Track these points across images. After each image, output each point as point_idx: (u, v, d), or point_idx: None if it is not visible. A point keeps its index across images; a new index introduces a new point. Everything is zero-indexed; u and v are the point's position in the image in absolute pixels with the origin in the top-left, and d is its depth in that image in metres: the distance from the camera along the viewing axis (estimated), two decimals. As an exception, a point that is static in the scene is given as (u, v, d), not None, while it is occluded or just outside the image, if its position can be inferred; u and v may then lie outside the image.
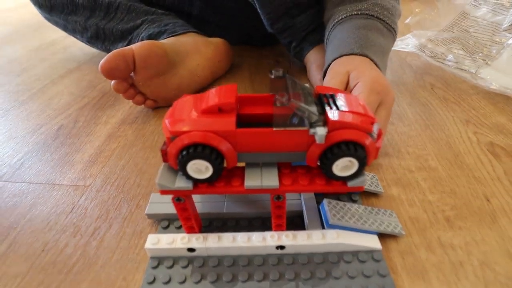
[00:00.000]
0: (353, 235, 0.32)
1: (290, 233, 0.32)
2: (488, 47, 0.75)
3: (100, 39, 0.74)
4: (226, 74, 0.76)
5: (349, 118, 0.26)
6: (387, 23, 0.55)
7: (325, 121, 0.26)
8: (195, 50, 0.64)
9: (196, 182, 0.28)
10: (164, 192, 0.28)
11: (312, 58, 0.68)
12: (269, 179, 0.28)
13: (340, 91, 0.30)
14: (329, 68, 0.50)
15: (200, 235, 0.32)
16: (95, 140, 0.52)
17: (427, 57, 0.80)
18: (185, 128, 0.26)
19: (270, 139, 0.27)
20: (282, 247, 0.32)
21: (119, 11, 0.71)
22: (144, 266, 0.32)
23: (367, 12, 0.55)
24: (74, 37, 0.80)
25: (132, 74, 0.55)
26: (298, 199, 0.37)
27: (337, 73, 0.47)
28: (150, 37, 0.66)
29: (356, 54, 0.49)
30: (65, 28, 0.79)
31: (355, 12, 0.56)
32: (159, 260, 0.31)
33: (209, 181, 0.28)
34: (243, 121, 0.28)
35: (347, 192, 0.37)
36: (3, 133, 0.55)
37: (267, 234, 0.32)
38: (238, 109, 0.29)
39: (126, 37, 0.70)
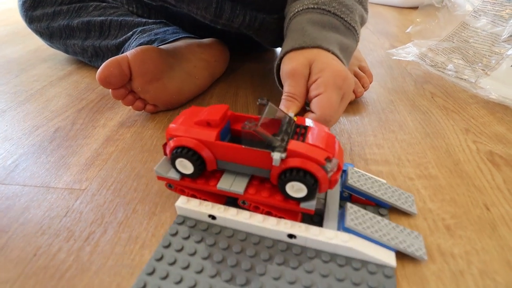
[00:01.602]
0: (367, 244, 0.32)
1: (304, 225, 0.33)
2: (488, 58, 0.74)
3: (99, 57, 0.76)
4: (228, 78, 0.75)
5: (305, 149, 0.30)
6: (345, 20, 0.52)
7: (285, 148, 0.31)
8: (190, 52, 0.64)
9: (183, 175, 0.35)
10: (159, 178, 0.36)
11: None
12: (237, 186, 0.34)
13: (317, 124, 0.35)
14: (285, 62, 0.48)
15: (222, 206, 0.36)
16: (92, 143, 0.51)
17: (427, 66, 0.80)
18: (179, 133, 0.34)
19: (241, 154, 0.33)
20: (293, 236, 0.33)
21: (112, 28, 0.72)
22: (139, 272, 0.31)
23: (323, 7, 0.51)
24: (77, 58, 0.83)
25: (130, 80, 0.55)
26: (323, 199, 0.37)
27: (297, 68, 0.46)
28: (141, 45, 0.65)
29: (309, 47, 0.47)
30: (66, 52, 0.81)
31: (311, 6, 0.52)
32: (184, 219, 0.36)
33: (191, 177, 0.35)
34: (234, 135, 0.37)
35: (376, 205, 0.38)
36: (-1, 135, 0.54)
37: (282, 221, 0.34)
38: (230, 124, 0.36)
39: (119, 49, 0.71)
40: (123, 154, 0.49)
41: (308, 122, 0.35)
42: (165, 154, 0.36)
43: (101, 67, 0.51)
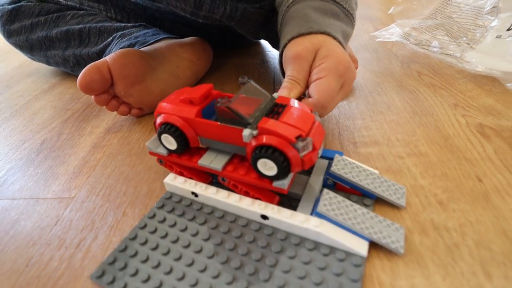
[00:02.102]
0: (338, 231, 0.31)
1: (277, 207, 0.34)
2: (472, 31, 0.74)
3: (81, 65, 0.74)
4: (213, 75, 0.75)
5: (275, 126, 0.30)
6: (343, 7, 0.52)
7: (256, 125, 0.31)
8: (171, 52, 0.64)
9: (169, 151, 0.37)
10: (151, 153, 0.39)
11: None
12: (216, 163, 0.35)
13: (299, 104, 0.34)
14: (289, 48, 0.47)
15: (204, 185, 0.37)
16: (79, 152, 0.51)
17: (412, 45, 0.79)
18: (164, 111, 0.36)
19: (218, 131, 0.33)
20: (266, 217, 0.34)
21: (91, 35, 0.71)
22: (131, 273, 0.31)
23: None
24: (60, 69, 0.82)
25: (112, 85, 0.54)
26: (303, 184, 0.37)
27: (301, 53, 0.45)
28: None
29: (316, 33, 0.46)
30: (48, 63, 0.80)
31: None
32: (171, 194, 0.39)
33: (176, 152, 0.37)
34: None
35: (362, 195, 0.37)
36: (-14, 152, 0.54)
37: (256, 202, 0.34)
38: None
39: (101, 56, 0.70)
40: (110, 159, 0.48)
41: (292, 102, 0.34)
42: (156, 131, 0.38)
43: (81, 73, 0.50)
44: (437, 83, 0.62)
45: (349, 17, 0.53)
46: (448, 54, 0.72)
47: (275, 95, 0.36)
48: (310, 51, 0.45)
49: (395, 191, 0.36)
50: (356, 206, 0.33)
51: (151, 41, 0.66)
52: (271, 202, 0.35)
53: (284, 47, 0.48)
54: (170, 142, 0.36)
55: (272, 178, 0.32)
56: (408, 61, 0.74)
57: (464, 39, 0.73)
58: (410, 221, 0.34)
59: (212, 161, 0.35)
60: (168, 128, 0.35)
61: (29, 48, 0.77)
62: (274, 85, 0.68)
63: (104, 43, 0.70)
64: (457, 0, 0.82)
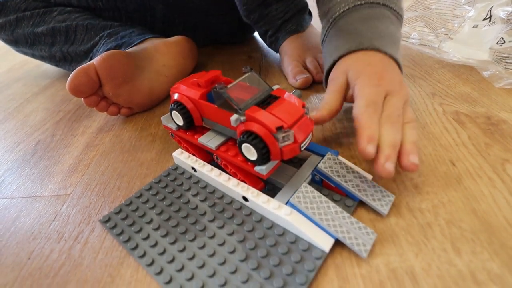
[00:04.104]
0: (306, 224, 0.33)
1: (256, 191, 0.36)
2: (451, 22, 0.77)
3: (67, 61, 0.76)
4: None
5: (260, 115, 0.32)
6: (394, 10, 0.50)
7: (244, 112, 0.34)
8: (157, 52, 0.65)
9: (178, 127, 0.42)
10: (164, 126, 0.45)
11: (286, 48, 0.70)
12: (212, 142, 0.39)
13: (292, 96, 0.36)
14: (332, 71, 0.47)
15: (202, 162, 0.41)
16: (73, 151, 0.53)
17: (392, 37, 0.81)
18: (176, 90, 0.40)
19: (215, 113, 0.37)
20: (246, 199, 0.37)
21: (78, 32, 0.72)
22: (128, 261, 0.33)
23: (371, 1, 0.49)
24: (45, 62, 0.82)
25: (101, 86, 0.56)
26: (290, 176, 0.39)
27: (335, 78, 0.45)
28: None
29: (365, 49, 0.45)
30: (33, 56, 0.81)
31: (358, 3, 0.50)
32: (177, 166, 0.44)
33: (183, 128, 0.42)
34: None
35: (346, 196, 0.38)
36: (-18, 154, 0.55)
37: (241, 184, 0.37)
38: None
39: (88, 55, 0.71)
40: (103, 157, 0.50)
41: (286, 95, 0.36)
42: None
43: (69, 78, 0.52)
44: (417, 74, 0.65)
45: (399, 19, 0.52)
46: (426, 45, 0.74)
47: (275, 87, 0.38)
48: (341, 75, 0.44)
49: (381, 197, 0.35)
50: (331, 204, 0.34)
51: (137, 41, 0.67)
52: (255, 187, 0.37)
53: (333, 64, 0.48)
54: (179, 118, 0.41)
55: (254, 163, 0.35)
56: (390, 53, 0.76)
57: (442, 29, 0.76)
58: (387, 204, 0.36)
59: (209, 140, 0.39)
60: (177, 105, 0.40)
61: (14, 41, 0.77)
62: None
63: (91, 42, 0.71)
64: (436, -9, 0.84)
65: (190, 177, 0.42)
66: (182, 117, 0.40)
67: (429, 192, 0.37)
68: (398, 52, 0.47)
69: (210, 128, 0.41)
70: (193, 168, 0.42)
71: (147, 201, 0.40)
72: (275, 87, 0.38)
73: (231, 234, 0.34)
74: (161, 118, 0.45)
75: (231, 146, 0.39)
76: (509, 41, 0.63)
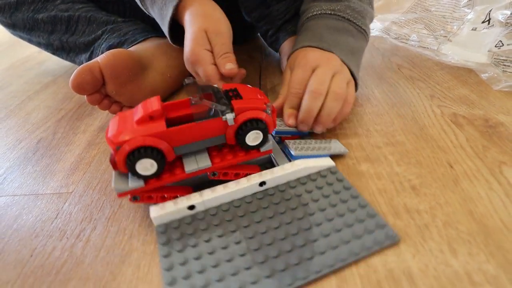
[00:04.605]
0: (312, 160, 0.42)
1: (267, 170, 0.40)
2: (450, 24, 0.77)
3: (65, 50, 0.75)
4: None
5: (248, 103, 0.36)
6: (357, 25, 0.57)
7: (232, 108, 0.36)
8: (161, 52, 0.65)
9: (146, 178, 0.35)
10: (121, 195, 0.34)
11: (286, 48, 0.70)
12: (203, 161, 0.37)
13: (242, 85, 0.40)
14: (296, 58, 0.52)
15: (196, 193, 0.37)
16: (75, 149, 0.53)
17: (391, 39, 0.82)
18: (126, 138, 0.32)
19: (195, 130, 0.35)
20: (263, 183, 0.39)
21: (79, 23, 0.71)
22: (129, 260, 0.34)
23: (339, 14, 0.56)
24: (41, 49, 0.80)
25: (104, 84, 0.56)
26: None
27: (305, 68, 0.49)
28: (111, 48, 0.66)
29: (323, 49, 0.52)
30: (30, 42, 0.79)
31: (329, 12, 0.57)
32: (165, 226, 0.36)
33: (156, 175, 0.35)
34: (171, 123, 0.35)
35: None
36: (-16, 152, 0.56)
37: (251, 176, 0.39)
38: (165, 115, 0.36)
39: (89, 48, 0.71)
40: (105, 155, 0.50)
41: (238, 86, 0.40)
42: (115, 168, 0.35)
43: (73, 74, 0.52)
44: (416, 76, 0.65)
45: (362, 33, 0.58)
46: (425, 47, 0.75)
47: (216, 85, 0.40)
48: (309, 69, 0.49)
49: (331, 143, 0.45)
50: (309, 140, 0.45)
51: (140, 39, 0.67)
52: (258, 171, 0.40)
53: (294, 51, 0.55)
54: (146, 167, 0.34)
55: (258, 146, 0.38)
56: (389, 54, 0.77)
57: (441, 31, 0.77)
58: (385, 206, 0.36)
59: (198, 163, 0.36)
60: (143, 151, 0.33)
61: (12, 25, 0.76)
62: (260, 78, 0.71)
63: (93, 36, 0.70)
64: (436, -7, 0.85)
65: (191, 222, 0.36)
66: (155, 160, 0.33)
67: (426, 193, 0.38)
68: (353, 60, 0.54)
69: (181, 154, 0.37)
70: (189, 207, 0.36)
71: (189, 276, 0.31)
72: (216, 85, 0.41)
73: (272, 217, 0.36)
74: (113, 186, 0.34)
75: (218, 154, 0.38)
76: (508, 44, 0.63)
